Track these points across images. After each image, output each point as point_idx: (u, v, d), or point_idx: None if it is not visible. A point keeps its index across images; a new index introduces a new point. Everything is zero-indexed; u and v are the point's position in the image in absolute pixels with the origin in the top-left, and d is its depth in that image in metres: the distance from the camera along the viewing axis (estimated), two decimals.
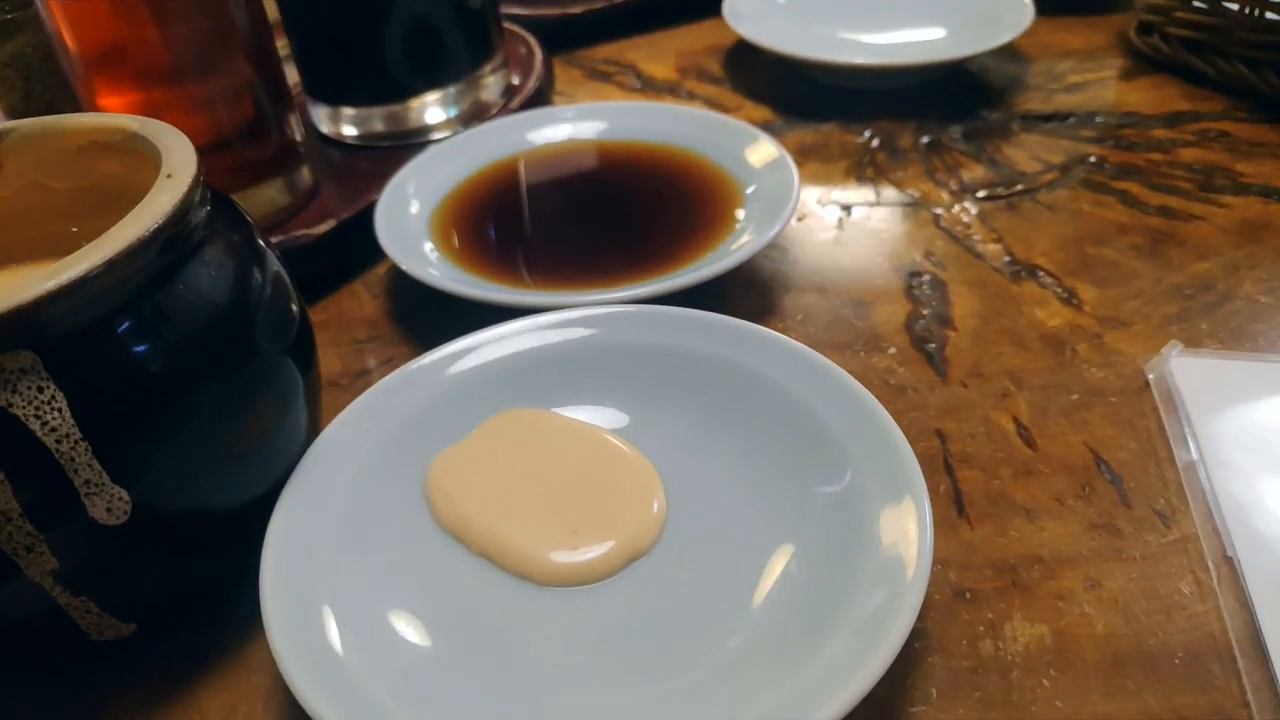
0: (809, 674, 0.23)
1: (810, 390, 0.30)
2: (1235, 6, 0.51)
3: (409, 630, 0.26)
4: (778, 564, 0.27)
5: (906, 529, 0.25)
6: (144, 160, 0.28)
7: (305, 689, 0.22)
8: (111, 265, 0.22)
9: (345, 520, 0.28)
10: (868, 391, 0.29)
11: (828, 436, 0.29)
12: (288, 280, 0.30)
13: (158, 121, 0.29)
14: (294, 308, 0.30)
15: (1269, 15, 0.50)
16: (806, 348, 0.31)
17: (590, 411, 0.32)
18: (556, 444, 0.31)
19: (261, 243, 0.29)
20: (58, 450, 0.22)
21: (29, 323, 0.21)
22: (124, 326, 0.23)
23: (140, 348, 0.24)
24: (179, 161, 0.26)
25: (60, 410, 0.22)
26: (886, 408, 0.33)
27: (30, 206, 0.30)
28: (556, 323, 0.33)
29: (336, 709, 0.22)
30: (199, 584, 0.29)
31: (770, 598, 0.26)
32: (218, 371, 0.25)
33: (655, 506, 0.29)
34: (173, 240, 0.24)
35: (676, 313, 0.33)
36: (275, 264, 0.30)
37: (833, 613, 0.24)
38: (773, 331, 0.32)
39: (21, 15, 0.41)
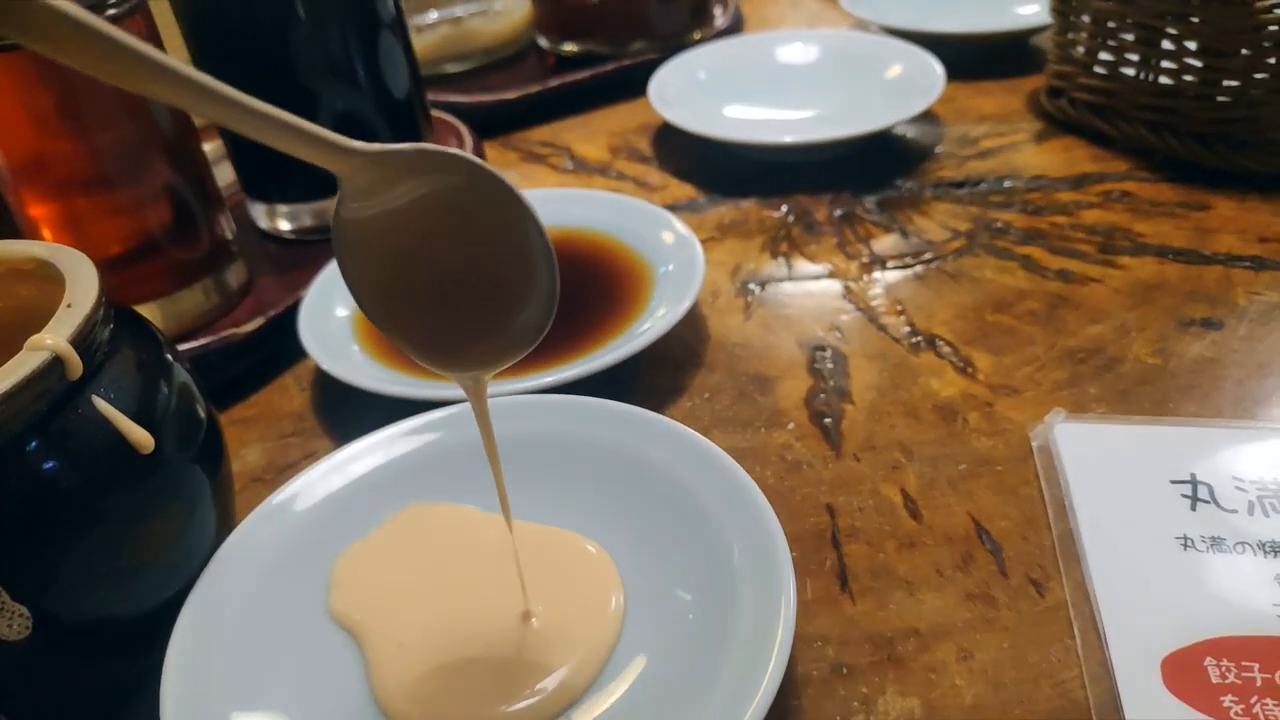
0: None
1: (694, 474, 0.31)
2: (1132, 73, 0.53)
3: None
4: (630, 675, 0.28)
5: (768, 628, 0.26)
6: (55, 285, 0.29)
7: None
8: (8, 396, 0.24)
9: (251, 622, 0.29)
10: (748, 478, 0.30)
11: (707, 525, 0.30)
12: (195, 389, 0.31)
13: (66, 249, 0.30)
14: (201, 415, 0.31)
15: (1162, 80, 0.52)
16: (690, 431, 0.32)
17: (483, 504, 0.33)
18: (478, 541, 0.32)
19: (169, 355, 0.31)
20: None
21: None
22: (27, 448, 0.25)
23: (42, 467, 0.25)
24: (80, 291, 0.28)
25: None
26: (780, 484, 0.35)
27: None
28: (454, 416, 0.35)
29: None
30: (105, 691, 0.30)
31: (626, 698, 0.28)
32: (119, 484, 0.27)
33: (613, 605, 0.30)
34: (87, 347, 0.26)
35: (570, 402, 0.35)
36: (183, 374, 0.31)
37: (689, 710, 0.25)
38: (661, 417, 0.33)
39: None
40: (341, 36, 0.48)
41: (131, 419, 0.27)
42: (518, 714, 0.27)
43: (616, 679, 0.28)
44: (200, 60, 0.48)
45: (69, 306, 0.27)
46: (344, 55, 0.49)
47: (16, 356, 0.25)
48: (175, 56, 0.43)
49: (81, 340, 0.26)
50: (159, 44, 0.42)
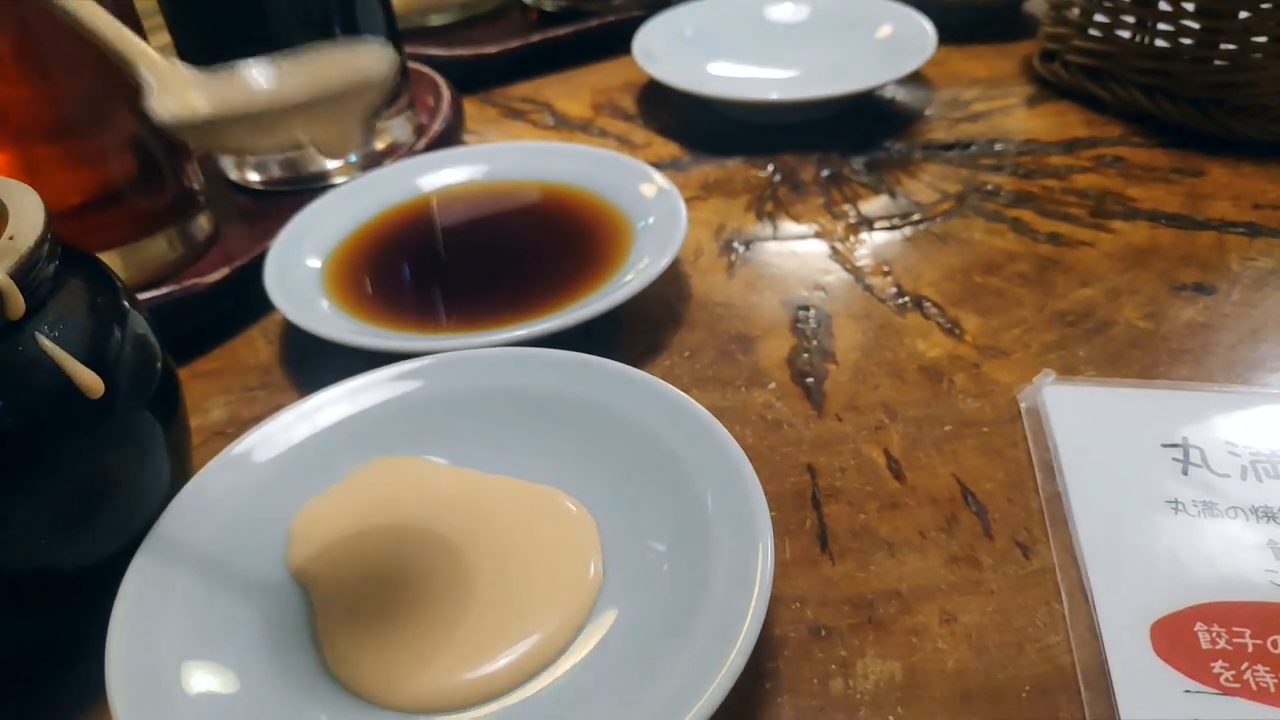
0: (663, 690, 0.23)
1: (670, 429, 0.30)
2: (1128, 36, 0.52)
3: (261, 698, 0.26)
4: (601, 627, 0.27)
5: (745, 578, 0.25)
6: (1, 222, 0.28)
7: None
8: None
9: (205, 574, 0.28)
10: (726, 433, 0.29)
11: (680, 476, 0.29)
12: (151, 336, 0.30)
13: (13, 182, 0.29)
14: (156, 362, 0.30)
15: (1158, 43, 0.51)
16: (668, 385, 0.31)
17: (451, 458, 0.32)
18: (446, 496, 0.31)
19: (124, 301, 0.30)
20: None
21: None
22: (11, 343, 0.24)
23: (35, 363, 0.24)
24: (25, 224, 0.26)
25: None
26: (760, 443, 0.33)
27: None
28: (423, 368, 0.33)
29: None
30: (50, 645, 0.28)
31: (622, 621, 0.27)
32: (66, 428, 0.25)
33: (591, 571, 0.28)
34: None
35: (542, 354, 0.33)
36: (139, 321, 0.30)
37: (664, 657, 0.24)
38: (631, 368, 0.32)
39: None
40: None
41: (81, 361, 0.26)
42: (477, 682, 0.26)
43: (584, 634, 0.27)
44: (168, 2, 0.46)
45: (10, 239, 0.26)
46: (319, 4, 0.47)
47: None
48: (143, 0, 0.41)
49: (23, 274, 0.25)
50: None
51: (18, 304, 0.24)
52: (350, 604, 0.28)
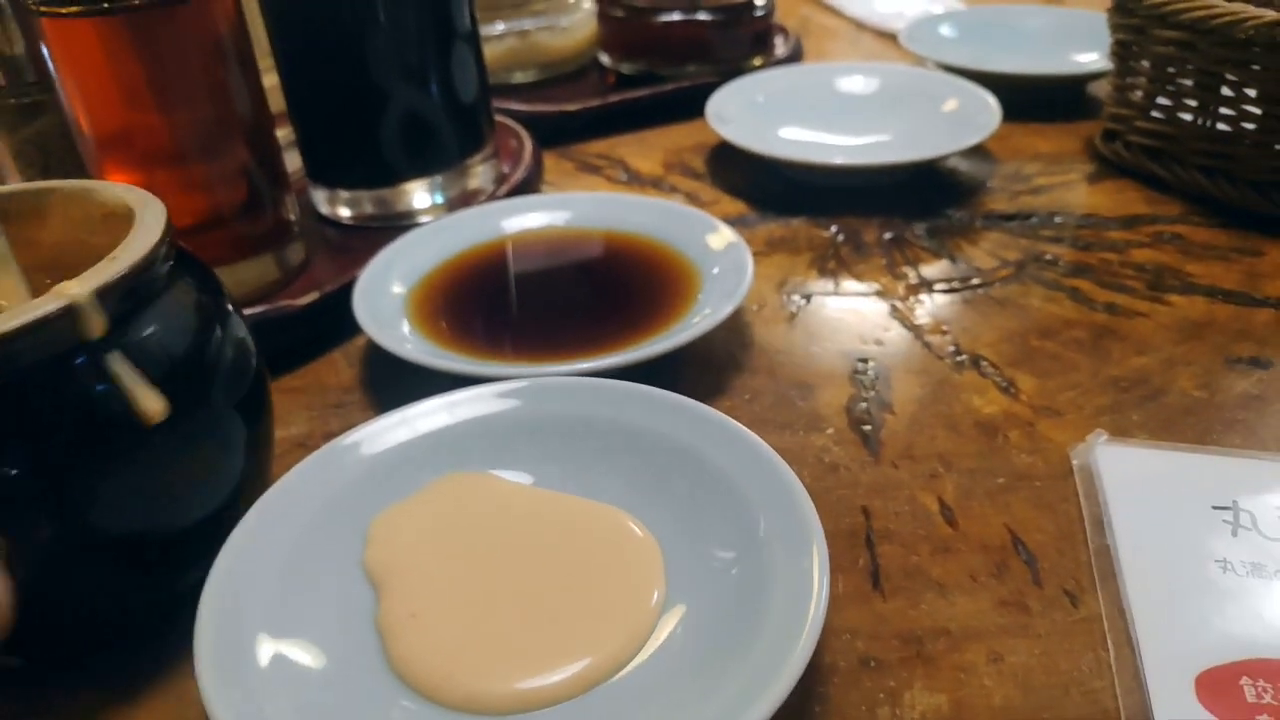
0: (723, 695, 0.25)
1: (730, 460, 0.32)
2: (1190, 118, 0.54)
3: (334, 683, 0.27)
4: (686, 605, 0.29)
5: (804, 586, 0.27)
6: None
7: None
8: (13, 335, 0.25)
9: (289, 561, 0.30)
10: (777, 455, 0.31)
11: (739, 499, 0.30)
12: (250, 343, 0.33)
13: (145, 193, 0.32)
14: (252, 366, 0.32)
15: (1220, 126, 0.52)
16: (729, 419, 0.33)
17: (523, 477, 0.34)
18: (516, 512, 0.33)
19: (229, 307, 0.32)
20: None
21: None
22: (78, 361, 0.26)
23: (96, 385, 0.26)
24: (136, 242, 0.29)
25: None
26: (816, 484, 0.35)
27: (70, 259, 0.32)
28: (501, 392, 0.35)
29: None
30: (145, 606, 0.30)
31: (683, 633, 0.28)
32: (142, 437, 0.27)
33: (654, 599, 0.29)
34: (129, 293, 0.27)
35: (614, 385, 0.35)
36: (240, 327, 0.32)
37: (722, 665, 0.26)
38: (696, 402, 0.34)
39: (45, 99, 0.45)
40: (419, 42, 0.50)
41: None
42: (531, 693, 0.27)
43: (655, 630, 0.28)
44: (280, 50, 0.50)
45: (111, 260, 0.27)
46: (419, 60, 0.50)
47: (38, 299, 0.25)
48: (258, 44, 0.45)
49: (112, 291, 0.26)
50: (243, 29, 0.44)
51: (91, 323, 0.26)
52: (416, 605, 0.30)
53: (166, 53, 0.41)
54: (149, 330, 0.28)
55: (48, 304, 0.25)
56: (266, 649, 0.27)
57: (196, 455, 0.29)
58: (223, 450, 0.30)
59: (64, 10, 0.38)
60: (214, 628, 0.27)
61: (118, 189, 0.32)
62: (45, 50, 0.40)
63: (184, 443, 0.28)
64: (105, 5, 0.38)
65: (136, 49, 0.40)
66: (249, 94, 0.44)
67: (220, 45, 0.42)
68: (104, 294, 0.26)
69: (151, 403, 0.27)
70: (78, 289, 0.26)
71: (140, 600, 0.30)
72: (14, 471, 0.25)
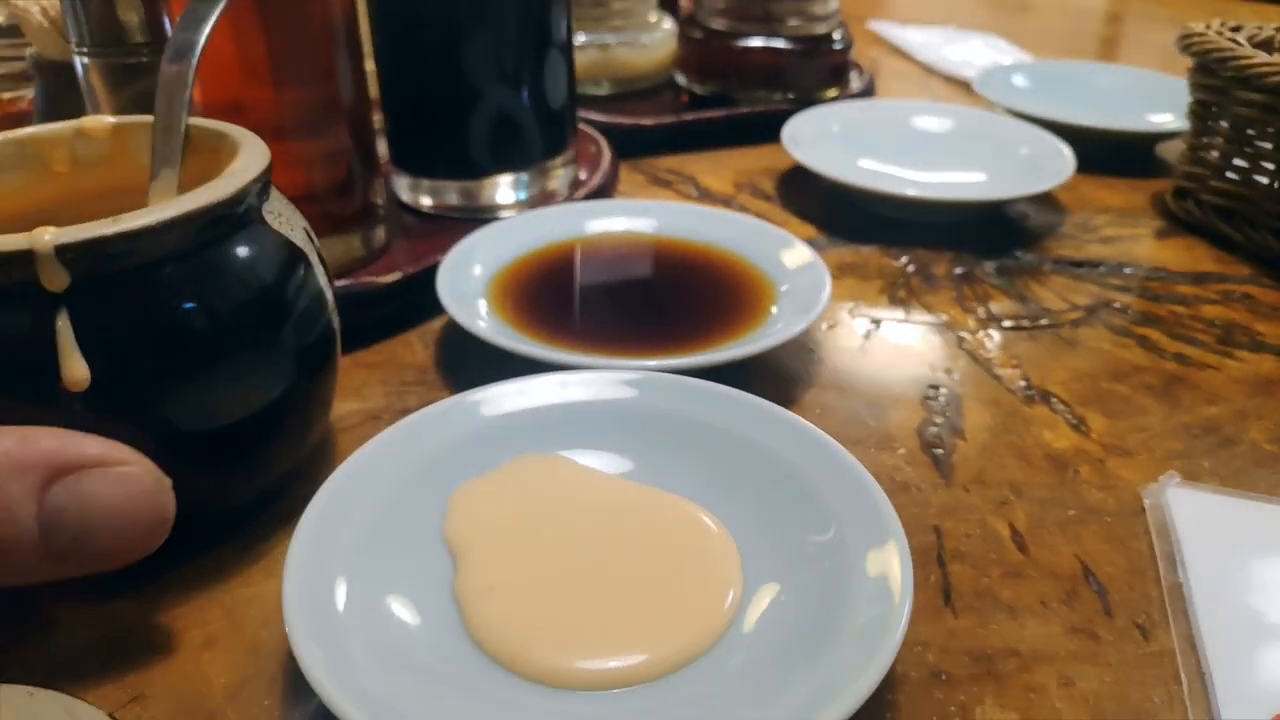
0: (805, 687, 0.25)
1: (803, 457, 0.32)
2: (1266, 181, 0.54)
3: (417, 641, 0.28)
4: (766, 596, 0.29)
5: (890, 563, 0.28)
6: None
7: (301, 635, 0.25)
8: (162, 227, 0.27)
9: (372, 519, 0.30)
10: (858, 463, 0.31)
11: (816, 498, 0.31)
12: (328, 296, 0.34)
13: (254, 136, 0.34)
14: (322, 318, 0.34)
15: None
16: (805, 421, 0.33)
17: (597, 462, 0.35)
18: (592, 498, 0.33)
19: (315, 259, 0.34)
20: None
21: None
22: (164, 271, 0.28)
23: (174, 297, 0.28)
24: (249, 160, 0.31)
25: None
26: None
27: None
28: (581, 380, 0.36)
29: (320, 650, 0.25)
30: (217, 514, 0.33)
31: (762, 625, 0.28)
32: (224, 336, 0.29)
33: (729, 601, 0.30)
34: (218, 220, 0.29)
35: (694, 383, 0.36)
36: (319, 279, 0.34)
37: (798, 663, 0.26)
38: (777, 406, 0.34)
39: (153, 60, 0.46)
40: (517, 44, 0.51)
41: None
42: (603, 673, 0.27)
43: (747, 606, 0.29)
44: (381, 38, 0.51)
45: (113, 221, 0.27)
46: (515, 61, 0.51)
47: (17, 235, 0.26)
48: (361, 37, 0.47)
49: (78, 251, 0.26)
50: (355, 15, 0.45)
51: (53, 277, 0.26)
52: (494, 578, 0.30)
53: (287, 30, 0.42)
54: (115, 298, 0.27)
55: (15, 242, 0.25)
56: (351, 593, 0.28)
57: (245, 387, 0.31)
58: (267, 390, 0.32)
59: None
60: (301, 568, 0.27)
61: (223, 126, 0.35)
62: (165, 16, 0.42)
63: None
64: None
65: (259, 24, 0.41)
66: (354, 78, 0.45)
67: (334, 28, 0.44)
68: (67, 250, 0.25)
69: (75, 369, 0.26)
70: (49, 237, 0.25)
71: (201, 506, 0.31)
72: None
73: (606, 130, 0.66)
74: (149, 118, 0.34)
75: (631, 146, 0.68)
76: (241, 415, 0.31)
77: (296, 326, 0.32)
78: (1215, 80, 0.56)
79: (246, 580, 0.32)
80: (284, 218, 0.34)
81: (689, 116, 0.70)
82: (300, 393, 0.33)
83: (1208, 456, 0.39)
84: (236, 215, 0.30)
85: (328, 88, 0.45)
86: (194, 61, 0.33)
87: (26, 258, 0.25)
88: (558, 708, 0.26)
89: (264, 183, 0.32)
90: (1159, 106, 0.72)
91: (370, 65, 0.52)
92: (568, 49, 0.54)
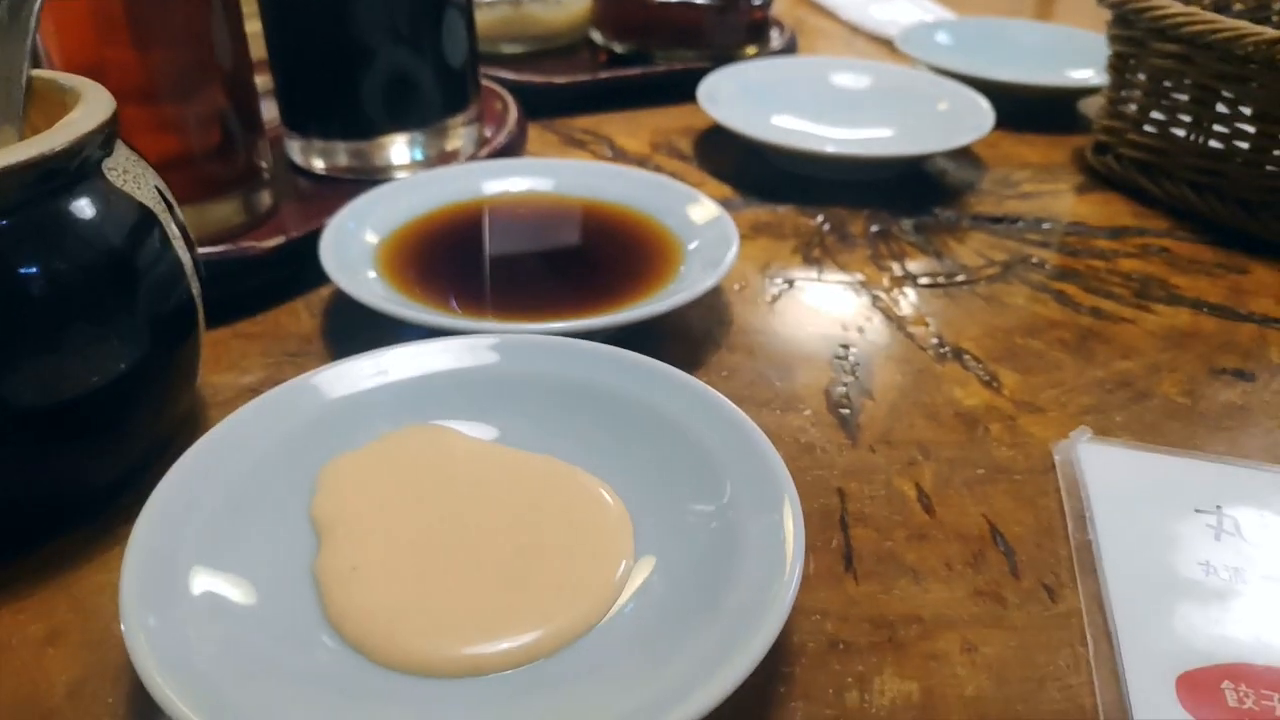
0: (674, 670, 0.23)
1: (694, 418, 0.31)
2: (1183, 134, 0.53)
3: (264, 623, 0.25)
4: (652, 566, 0.27)
5: (783, 528, 0.26)
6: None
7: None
8: None
9: (228, 499, 0.28)
10: (754, 424, 0.30)
11: (708, 460, 0.29)
12: (185, 260, 0.32)
13: (101, 89, 0.31)
14: (180, 283, 0.32)
15: (1211, 144, 0.52)
16: (701, 383, 0.31)
17: (483, 431, 0.32)
18: (477, 470, 0.31)
19: (168, 220, 0.31)
20: None
21: None
22: None
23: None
24: (88, 111, 0.29)
25: None
26: (792, 463, 0.33)
27: None
28: (468, 345, 0.34)
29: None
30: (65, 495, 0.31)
31: (647, 598, 0.27)
32: (59, 300, 0.27)
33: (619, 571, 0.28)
34: (49, 173, 0.27)
35: (584, 345, 0.33)
36: (174, 242, 0.31)
37: (683, 635, 0.24)
38: (668, 366, 0.32)
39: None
40: (410, 5, 0.48)
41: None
42: (473, 658, 0.25)
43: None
44: (268, 5, 0.48)
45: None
46: (407, 13, 0.48)
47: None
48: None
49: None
50: None
51: None
52: (359, 559, 0.28)
53: None
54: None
55: None
56: (198, 580, 0.25)
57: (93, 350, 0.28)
58: (118, 355, 0.29)
59: None
60: (145, 550, 0.25)
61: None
62: None
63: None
64: None
65: None
66: (231, 39, 0.42)
67: None
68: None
69: None
70: None
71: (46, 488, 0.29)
72: None
73: (517, 89, 0.63)
74: None
75: (544, 106, 0.65)
76: (88, 388, 0.28)
77: (148, 292, 0.30)
78: (1133, 31, 0.55)
79: (102, 566, 0.30)
80: (131, 175, 0.31)
81: (603, 75, 0.67)
82: (155, 364, 0.31)
83: (1120, 411, 0.38)
84: (70, 170, 0.28)
85: (199, 49, 0.41)
86: (35, 9, 0.30)
87: None
88: (419, 694, 0.24)
89: (106, 135, 0.29)
90: (1082, 63, 0.71)
91: (256, 26, 0.49)
92: (467, 2, 0.51)
